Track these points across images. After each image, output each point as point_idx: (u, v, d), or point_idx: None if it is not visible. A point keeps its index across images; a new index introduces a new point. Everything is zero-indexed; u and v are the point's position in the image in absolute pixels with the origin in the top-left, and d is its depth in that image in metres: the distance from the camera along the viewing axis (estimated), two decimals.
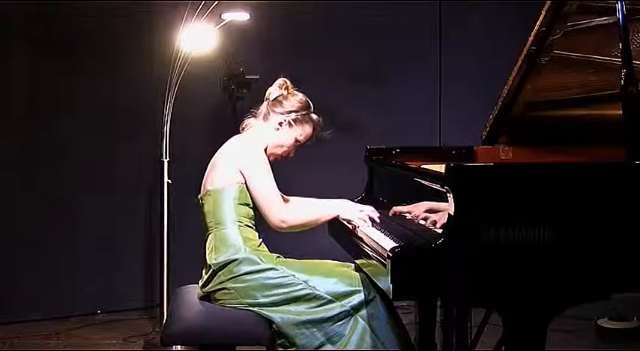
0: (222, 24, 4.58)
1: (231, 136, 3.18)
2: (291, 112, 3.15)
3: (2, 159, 4.95)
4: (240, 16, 4.70)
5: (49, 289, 5.05)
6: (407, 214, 2.93)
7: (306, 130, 3.19)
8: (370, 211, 3.07)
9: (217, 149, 3.15)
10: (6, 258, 4.96)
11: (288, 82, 3.21)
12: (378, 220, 3.03)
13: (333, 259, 3.15)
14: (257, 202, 3.03)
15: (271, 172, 3.05)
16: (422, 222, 2.74)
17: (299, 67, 4.86)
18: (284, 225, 3.02)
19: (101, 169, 5.19)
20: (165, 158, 4.54)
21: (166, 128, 4.52)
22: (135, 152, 5.19)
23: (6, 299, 4.95)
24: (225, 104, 4.94)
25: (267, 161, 3.08)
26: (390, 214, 3.03)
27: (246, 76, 4.85)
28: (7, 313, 4.94)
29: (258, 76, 4.82)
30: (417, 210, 2.82)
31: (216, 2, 4.43)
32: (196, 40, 4.48)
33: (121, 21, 5.04)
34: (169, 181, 4.54)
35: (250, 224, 3.06)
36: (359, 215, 3.04)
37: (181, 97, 4.55)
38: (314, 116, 3.20)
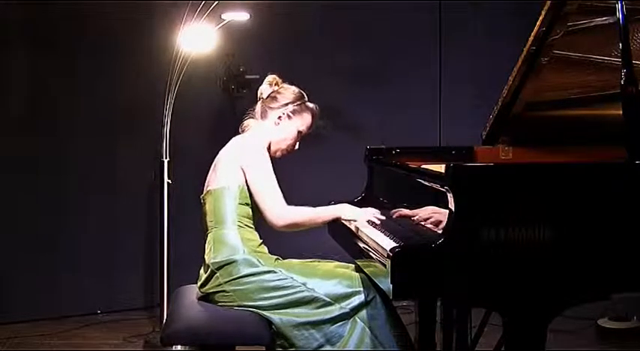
0: (222, 24, 4.58)
1: (231, 136, 3.19)
2: (287, 104, 3.16)
3: (2, 159, 4.95)
4: (240, 16, 4.70)
5: (49, 289, 5.05)
6: (411, 217, 2.89)
7: (306, 119, 3.20)
8: (373, 213, 3.05)
9: (217, 149, 3.16)
10: (6, 258, 4.97)
11: (277, 78, 3.22)
12: (378, 222, 3.00)
13: (333, 260, 3.14)
14: (257, 198, 3.02)
15: (272, 171, 3.04)
16: (428, 226, 2.72)
17: (299, 67, 4.87)
18: (282, 222, 3.01)
19: (101, 169, 5.19)
20: (165, 158, 4.54)
21: (166, 128, 4.52)
22: (135, 152, 5.19)
23: (6, 299, 4.95)
24: (225, 104, 4.94)
25: (269, 160, 3.07)
26: (394, 217, 3.00)
27: (246, 76, 4.85)
28: (7, 313, 4.94)
29: (258, 76, 4.77)
30: (422, 213, 2.78)
31: (216, 2, 4.42)
32: (196, 40, 4.48)
33: (121, 21, 5.04)
34: (169, 181, 4.54)
35: (250, 225, 3.05)
36: (366, 217, 3.03)
37: (181, 97, 4.55)
38: (310, 104, 3.21)
